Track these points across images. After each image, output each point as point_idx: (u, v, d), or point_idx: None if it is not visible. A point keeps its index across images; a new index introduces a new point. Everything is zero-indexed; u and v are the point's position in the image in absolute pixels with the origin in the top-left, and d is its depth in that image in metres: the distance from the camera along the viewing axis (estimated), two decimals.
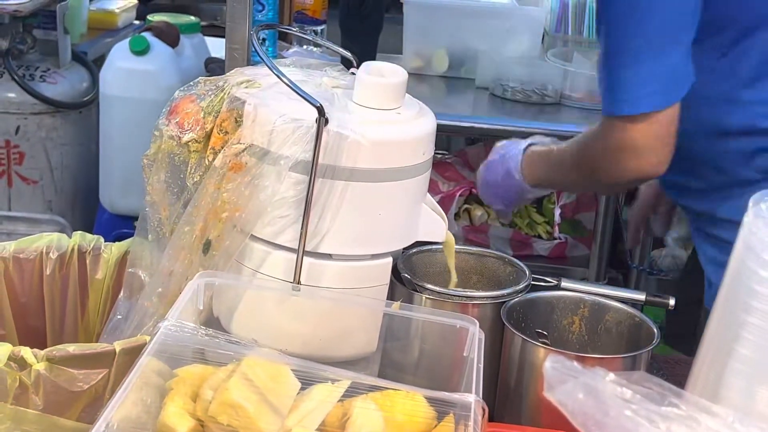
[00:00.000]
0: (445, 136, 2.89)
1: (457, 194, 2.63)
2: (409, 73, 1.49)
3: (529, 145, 1.97)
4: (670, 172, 1.66)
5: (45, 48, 3.21)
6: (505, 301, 1.63)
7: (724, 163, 1.73)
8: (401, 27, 3.02)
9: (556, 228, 2.62)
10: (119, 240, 1.75)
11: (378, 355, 1.51)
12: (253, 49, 1.85)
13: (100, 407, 1.26)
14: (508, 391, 1.61)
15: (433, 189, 2.56)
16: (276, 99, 1.43)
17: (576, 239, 2.66)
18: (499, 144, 2.01)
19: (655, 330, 1.60)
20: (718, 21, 1.63)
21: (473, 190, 2.68)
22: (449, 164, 2.70)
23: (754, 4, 1.66)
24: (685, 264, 2.19)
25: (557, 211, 2.60)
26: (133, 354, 1.32)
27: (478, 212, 2.66)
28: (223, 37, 2.33)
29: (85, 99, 3.23)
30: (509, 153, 1.97)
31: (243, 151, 1.42)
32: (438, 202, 1.55)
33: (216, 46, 3.21)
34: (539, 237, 2.65)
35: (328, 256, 1.43)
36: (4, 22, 3.08)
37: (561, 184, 2.08)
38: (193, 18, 3.34)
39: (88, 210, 3.27)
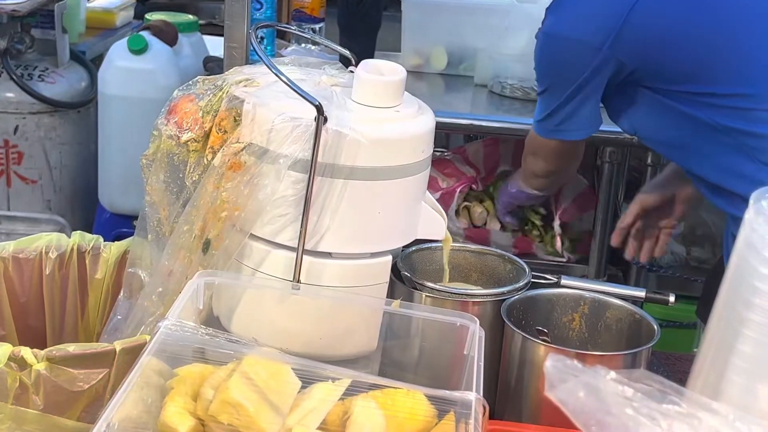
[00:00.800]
0: (443, 134, 2.88)
1: (457, 190, 2.62)
2: (408, 71, 1.49)
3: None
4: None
5: (43, 47, 3.20)
6: (505, 299, 1.63)
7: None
8: (400, 25, 3.01)
9: (558, 242, 2.60)
10: (119, 239, 1.75)
11: (378, 354, 1.51)
12: (252, 48, 1.84)
13: (100, 407, 1.26)
14: (508, 388, 1.60)
15: (432, 186, 2.55)
16: (275, 98, 1.42)
17: (578, 251, 2.64)
18: None
19: (656, 327, 1.60)
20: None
21: (473, 186, 2.67)
22: (448, 161, 2.69)
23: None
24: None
25: (557, 222, 2.59)
26: (134, 353, 1.32)
27: (478, 209, 2.65)
28: (221, 35, 2.32)
29: (84, 98, 3.23)
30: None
31: (242, 150, 1.42)
32: (438, 200, 1.55)
33: (214, 45, 3.20)
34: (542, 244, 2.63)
35: (328, 255, 1.43)
36: (2, 22, 3.07)
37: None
38: (191, 17, 3.33)
39: (88, 209, 3.27)
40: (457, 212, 2.64)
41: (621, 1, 1.78)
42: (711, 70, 1.80)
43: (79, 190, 3.28)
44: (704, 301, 2.26)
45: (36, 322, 1.71)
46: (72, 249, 1.72)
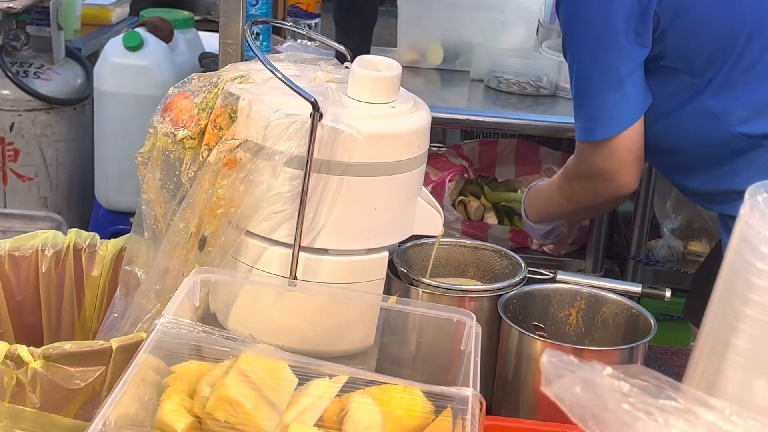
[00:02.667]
0: (440, 129, 2.88)
1: (447, 180, 2.62)
2: (404, 66, 1.49)
3: (532, 186, 2.14)
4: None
5: (39, 44, 3.20)
6: (501, 294, 1.63)
7: None
8: (396, 20, 3.02)
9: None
10: (115, 236, 1.75)
11: (375, 350, 1.51)
12: (247, 44, 1.84)
13: (97, 405, 1.26)
14: (505, 384, 1.60)
15: (424, 180, 2.55)
16: (270, 94, 1.42)
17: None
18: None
19: (652, 321, 1.60)
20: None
21: (466, 175, 2.66)
22: (440, 155, 2.68)
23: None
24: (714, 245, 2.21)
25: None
26: (130, 351, 1.31)
27: (474, 204, 2.65)
28: (217, 31, 2.32)
29: (80, 95, 3.23)
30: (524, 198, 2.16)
31: (237, 146, 1.42)
32: (429, 192, 1.55)
33: (210, 41, 3.20)
34: None
35: (324, 251, 1.43)
36: None
37: (557, 213, 2.15)
38: (186, 13, 3.33)
39: (84, 206, 3.27)
40: (453, 206, 2.64)
41: None
42: (748, 50, 1.71)
43: (75, 187, 3.28)
44: (691, 302, 2.24)
45: (32, 320, 1.71)
46: (68, 246, 1.72)
